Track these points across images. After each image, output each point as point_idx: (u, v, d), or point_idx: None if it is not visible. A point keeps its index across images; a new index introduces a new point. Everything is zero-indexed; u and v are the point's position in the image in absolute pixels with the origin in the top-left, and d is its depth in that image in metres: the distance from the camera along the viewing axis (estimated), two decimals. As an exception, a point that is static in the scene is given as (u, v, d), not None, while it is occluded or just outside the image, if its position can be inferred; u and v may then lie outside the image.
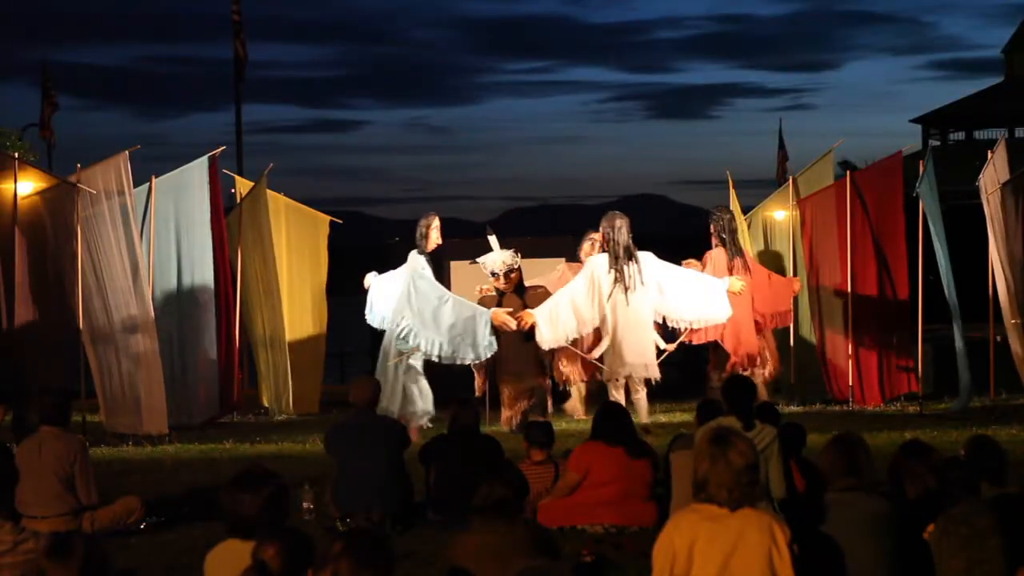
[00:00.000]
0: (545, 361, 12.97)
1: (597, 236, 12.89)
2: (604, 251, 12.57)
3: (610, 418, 8.50)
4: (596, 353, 12.53)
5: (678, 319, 12.69)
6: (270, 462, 9.55)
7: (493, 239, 12.79)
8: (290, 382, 14.76)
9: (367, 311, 13.00)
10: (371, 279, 13.05)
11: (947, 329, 14.04)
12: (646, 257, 12.55)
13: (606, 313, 12.33)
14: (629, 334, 12.32)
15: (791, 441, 7.76)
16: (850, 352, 14.36)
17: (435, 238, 12.61)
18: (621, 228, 12.40)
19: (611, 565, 7.15)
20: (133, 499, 8.46)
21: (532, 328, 12.31)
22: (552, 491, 8.54)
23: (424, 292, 12.24)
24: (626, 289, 12.29)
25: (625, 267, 12.34)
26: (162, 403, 12.96)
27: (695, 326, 12.84)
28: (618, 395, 12.28)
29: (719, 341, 13.39)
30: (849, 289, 14.36)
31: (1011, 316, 13.52)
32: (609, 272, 12.33)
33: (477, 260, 12.92)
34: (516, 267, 12.68)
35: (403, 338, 12.28)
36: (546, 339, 12.33)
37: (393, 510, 8.33)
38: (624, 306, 12.29)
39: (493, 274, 12.67)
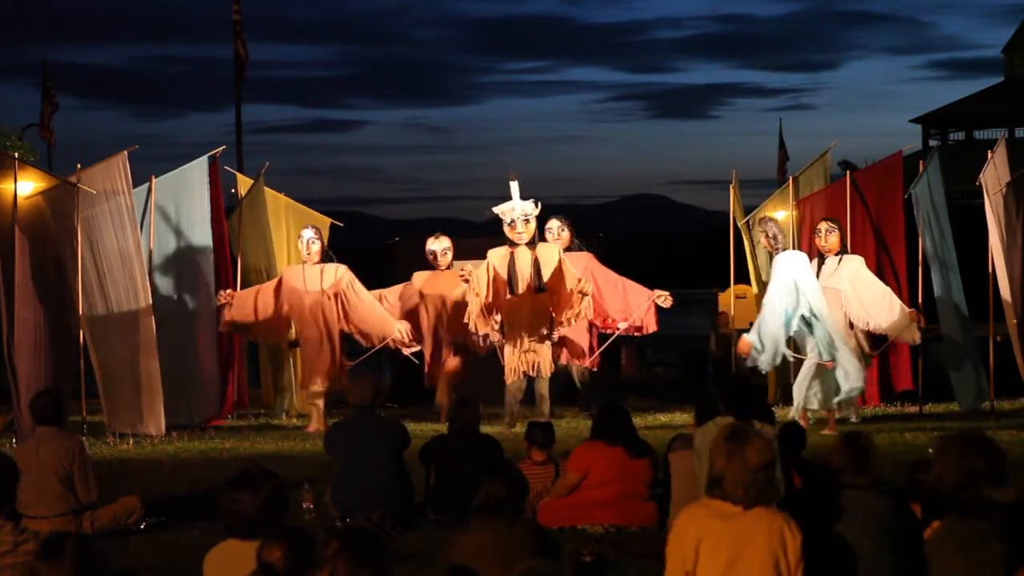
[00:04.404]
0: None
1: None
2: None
3: (610, 418, 8.50)
4: None
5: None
6: (270, 462, 9.52)
7: (515, 185, 12.54)
8: (291, 382, 14.75)
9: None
10: None
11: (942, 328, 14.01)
12: None
13: None
14: None
15: (792, 442, 7.75)
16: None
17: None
18: None
19: (611, 565, 7.16)
20: (133, 499, 8.46)
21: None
22: (552, 491, 8.54)
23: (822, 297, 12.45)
24: None
25: None
26: (161, 403, 12.95)
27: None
28: None
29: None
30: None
31: (1012, 316, 13.48)
32: None
33: (494, 209, 12.68)
34: (531, 217, 12.58)
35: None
36: None
37: (393, 510, 8.33)
38: None
39: (511, 222, 12.59)
